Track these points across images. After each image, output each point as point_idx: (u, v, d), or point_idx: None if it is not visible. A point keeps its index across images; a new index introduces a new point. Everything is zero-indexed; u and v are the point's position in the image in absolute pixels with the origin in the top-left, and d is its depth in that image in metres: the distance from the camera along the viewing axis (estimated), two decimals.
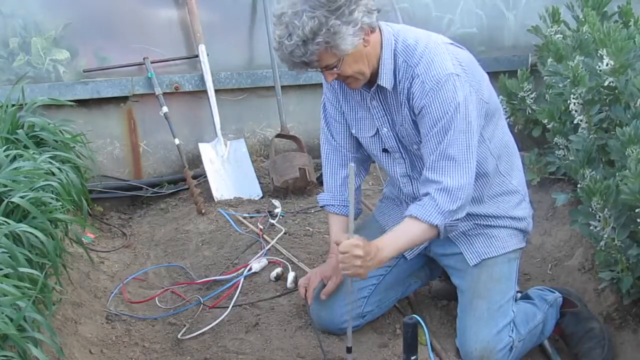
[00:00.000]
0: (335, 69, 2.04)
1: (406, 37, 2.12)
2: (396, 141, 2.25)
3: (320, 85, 3.77)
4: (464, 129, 2.06)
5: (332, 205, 2.42)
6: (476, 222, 2.28)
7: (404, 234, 2.15)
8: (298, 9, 1.92)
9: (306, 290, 2.39)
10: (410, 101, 2.11)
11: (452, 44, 2.16)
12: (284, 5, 1.96)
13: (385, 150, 2.31)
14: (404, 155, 2.28)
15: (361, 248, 2.04)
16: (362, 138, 2.33)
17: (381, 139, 2.27)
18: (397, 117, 2.19)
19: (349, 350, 2.17)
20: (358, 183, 2.48)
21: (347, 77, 2.10)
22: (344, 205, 2.40)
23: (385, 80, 2.12)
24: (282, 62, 2.05)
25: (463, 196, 2.10)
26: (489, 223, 2.28)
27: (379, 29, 2.11)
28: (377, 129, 2.26)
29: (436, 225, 2.11)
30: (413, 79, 2.08)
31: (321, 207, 2.49)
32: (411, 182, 2.33)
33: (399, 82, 2.12)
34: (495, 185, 2.28)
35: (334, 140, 2.40)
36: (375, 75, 2.13)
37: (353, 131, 2.34)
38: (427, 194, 2.12)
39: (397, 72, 2.11)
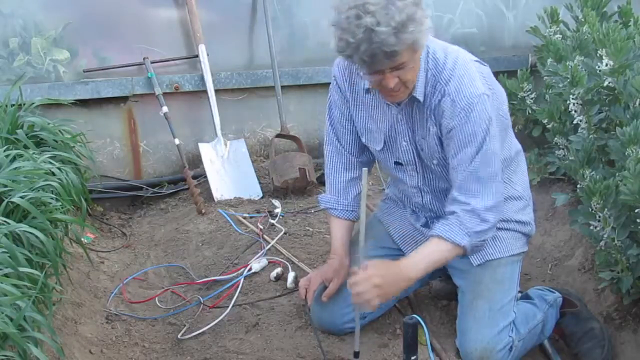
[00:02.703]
0: (401, 69, 1.97)
1: (435, 50, 2.10)
2: (413, 155, 2.24)
3: (320, 85, 3.85)
4: (493, 150, 2.07)
5: (335, 209, 2.40)
6: None
7: (429, 254, 2.13)
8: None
9: (306, 292, 2.39)
10: (439, 118, 2.09)
11: (477, 61, 2.15)
12: None
13: (397, 163, 2.30)
14: (418, 168, 2.27)
15: (379, 276, 2.04)
16: (373, 149, 2.32)
17: (393, 151, 2.26)
18: (419, 130, 2.17)
19: (356, 355, 2.17)
20: (360, 189, 2.46)
21: (402, 84, 2.03)
22: (346, 210, 2.39)
23: (419, 92, 2.09)
24: (357, 55, 1.90)
25: (492, 218, 2.11)
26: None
27: None
28: (385, 141, 2.24)
29: (463, 246, 2.10)
30: (443, 97, 2.06)
31: (323, 209, 2.48)
32: (422, 194, 2.33)
33: (427, 96, 2.10)
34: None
35: (339, 144, 2.38)
36: None
37: (363, 139, 2.31)
38: (453, 213, 2.11)
39: (426, 85, 2.09)
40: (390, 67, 1.96)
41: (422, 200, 2.34)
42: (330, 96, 2.34)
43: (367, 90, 2.19)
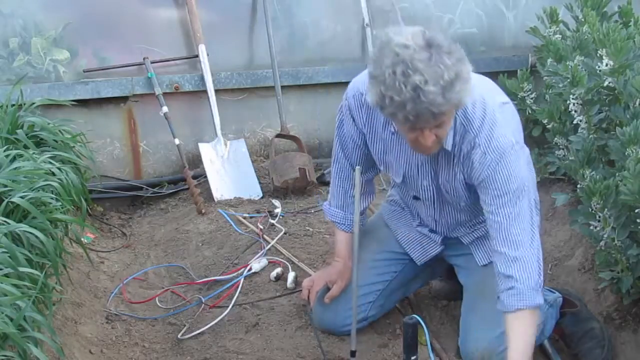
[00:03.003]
0: (441, 127, 1.90)
1: None
2: (433, 193, 2.21)
3: (320, 85, 3.85)
4: (530, 197, 2.03)
5: (342, 224, 2.38)
6: None
7: (524, 333, 2.03)
8: (432, 55, 1.75)
9: (309, 292, 2.38)
10: (467, 167, 2.05)
11: (503, 103, 2.06)
12: (406, 52, 1.75)
13: (415, 197, 2.28)
14: (436, 205, 2.26)
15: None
16: (394, 179, 2.28)
17: (411, 186, 2.24)
18: (443, 174, 2.14)
19: (352, 354, 2.17)
20: (365, 205, 2.43)
21: (437, 140, 1.96)
22: (352, 225, 2.35)
23: (448, 142, 2.03)
24: (402, 114, 1.79)
25: (540, 261, 2.05)
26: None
27: None
28: (404, 175, 2.20)
29: (540, 305, 2.04)
30: (473, 148, 2.01)
31: (329, 221, 2.46)
32: (436, 223, 2.33)
33: (456, 145, 2.05)
34: None
35: (347, 163, 2.32)
36: None
37: (382, 168, 2.27)
38: (508, 277, 2.02)
39: (455, 135, 2.03)
40: (432, 126, 1.89)
41: (436, 227, 2.34)
42: (343, 123, 2.24)
43: (393, 132, 2.12)
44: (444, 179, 2.15)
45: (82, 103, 3.43)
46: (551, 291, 2.44)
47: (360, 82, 2.13)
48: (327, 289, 2.37)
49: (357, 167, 2.05)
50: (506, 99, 2.11)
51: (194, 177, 3.47)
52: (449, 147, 2.04)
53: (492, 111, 2.00)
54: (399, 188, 2.36)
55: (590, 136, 2.78)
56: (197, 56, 3.63)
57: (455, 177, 2.11)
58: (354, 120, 2.20)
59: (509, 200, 2.01)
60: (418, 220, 2.39)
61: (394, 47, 1.77)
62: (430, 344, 2.21)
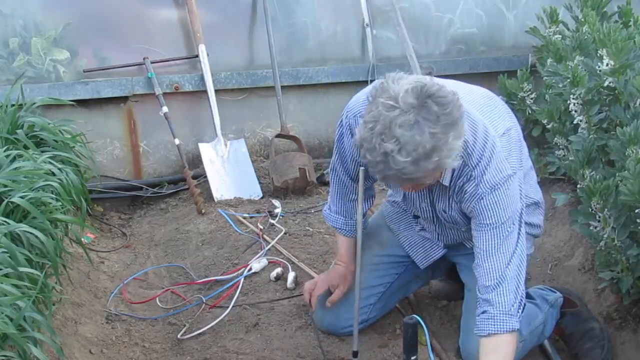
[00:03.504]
0: (425, 181, 1.89)
1: (465, 131, 1.93)
2: (432, 215, 2.21)
3: (320, 85, 3.85)
4: (516, 225, 2.03)
5: (344, 229, 2.38)
6: None
7: (499, 357, 2.03)
8: (415, 121, 1.70)
9: (311, 295, 2.38)
10: (460, 197, 2.05)
11: (504, 134, 2.02)
12: (391, 113, 1.71)
13: (415, 216, 2.29)
14: (436, 226, 2.27)
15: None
16: (394, 197, 2.29)
17: (415, 206, 2.23)
18: (440, 204, 2.14)
19: (355, 354, 2.17)
20: (366, 208, 2.41)
21: (424, 185, 1.98)
22: (355, 230, 2.34)
23: (446, 179, 2.03)
24: (375, 172, 1.83)
25: (521, 284, 2.05)
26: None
27: None
28: (406, 195, 2.20)
29: (517, 329, 2.04)
30: (468, 180, 1.99)
31: (331, 226, 2.45)
32: (438, 237, 2.34)
33: (452, 179, 2.04)
34: None
35: (345, 174, 2.28)
36: None
37: (384, 185, 2.28)
38: (485, 301, 2.04)
39: (454, 170, 2.01)
40: (408, 184, 1.91)
41: (438, 239, 2.35)
42: (342, 137, 2.18)
43: None
44: (441, 208, 2.15)
45: (82, 103, 3.43)
46: (552, 291, 2.45)
47: (360, 102, 2.08)
48: (329, 292, 2.37)
49: (362, 168, 2.05)
50: (508, 124, 2.07)
51: (194, 177, 3.47)
52: (446, 182, 2.04)
53: (492, 144, 1.97)
54: (401, 203, 2.36)
55: (590, 136, 2.78)
56: (197, 56, 3.63)
57: (452, 207, 2.11)
58: (353, 136, 2.15)
59: (495, 229, 2.00)
60: (420, 225, 2.39)
61: (384, 101, 1.73)
62: (430, 344, 2.20)
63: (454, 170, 2.01)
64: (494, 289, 2.02)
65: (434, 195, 2.14)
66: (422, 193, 2.16)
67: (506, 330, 2.01)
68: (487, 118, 2.02)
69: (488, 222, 2.01)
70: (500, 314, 2.01)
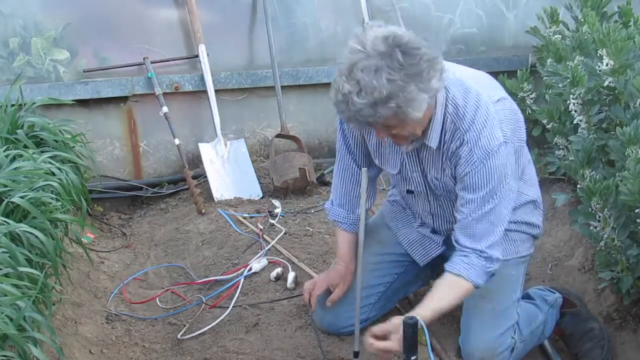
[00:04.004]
0: (392, 130, 1.94)
1: (456, 94, 2.00)
2: (425, 187, 2.22)
3: (320, 85, 3.84)
4: (507, 195, 2.04)
5: (344, 223, 2.38)
6: None
7: (447, 296, 2.09)
8: (376, 66, 1.77)
9: (310, 295, 2.38)
10: (454, 162, 2.06)
11: (498, 100, 2.05)
12: (357, 57, 1.79)
13: (409, 191, 2.29)
14: (430, 198, 2.26)
15: (395, 343, 2.00)
16: (387, 172, 2.29)
17: (407, 180, 2.24)
18: (431, 170, 2.14)
19: (356, 354, 2.17)
20: (368, 206, 2.42)
21: (399, 136, 2.00)
22: (355, 224, 2.35)
23: (433, 141, 2.04)
24: (339, 113, 1.90)
25: (499, 255, 2.09)
26: (506, 227, 2.27)
27: None
28: (400, 168, 2.21)
29: (478, 285, 2.08)
30: (461, 145, 2.01)
31: (331, 220, 2.45)
32: (434, 219, 2.32)
33: (444, 143, 2.05)
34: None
35: (352, 159, 2.30)
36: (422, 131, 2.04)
37: (376, 162, 2.26)
38: (471, 252, 2.07)
39: (444, 133, 2.03)
40: (378, 128, 1.94)
41: (433, 223, 2.34)
42: (342, 122, 2.24)
43: None
44: (433, 176, 2.15)
45: (82, 103, 3.44)
46: (551, 291, 2.45)
47: None
48: (329, 291, 2.36)
49: (364, 168, 2.07)
50: (503, 95, 2.10)
51: (194, 177, 3.47)
52: (433, 144, 2.05)
53: (485, 108, 2.00)
54: (396, 182, 2.34)
55: (590, 136, 2.78)
56: (197, 56, 3.63)
57: (444, 172, 2.12)
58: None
59: (485, 195, 2.02)
60: (419, 221, 2.39)
61: (352, 45, 1.82)
62: (430, 344, 2.20)
63: (443, 133, 2.03)
64: (479, 252, 2.06)
65: (424, 164, 2.15)
66: (412, 161, 2.16)
67: (473, 281, 2.06)
68: (481, 87, 2.05)
69: (478, 187, 2.02)
70: (478, 266, 2.05)
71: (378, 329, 2.03)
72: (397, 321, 2.00)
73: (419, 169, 2.17)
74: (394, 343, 1.98)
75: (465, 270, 2.06)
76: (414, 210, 2.39)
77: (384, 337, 2.01)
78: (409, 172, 2.20)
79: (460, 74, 2.06)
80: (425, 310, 2.04)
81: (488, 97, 2.03)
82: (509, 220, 2.24)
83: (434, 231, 2.37)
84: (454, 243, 2.12)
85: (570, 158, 2.83)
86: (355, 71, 1.79)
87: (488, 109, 2.00)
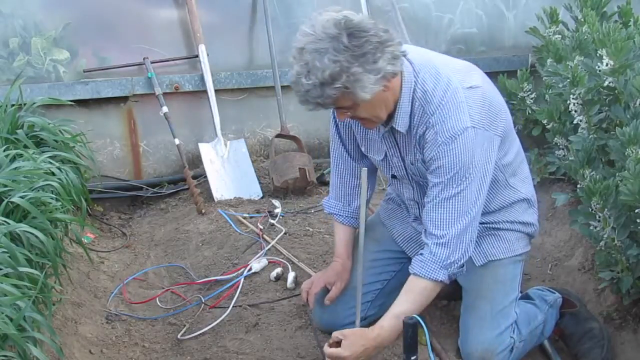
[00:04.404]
0: (349, 111, 1.98)
1: (426, 79, 2.03)
2: (405, 172, 2.23)
3: None
4: (475, 182, 2.03)
5: (340, 215, 2.39)
6: (485, 225, 2.26)
7: (412, 295, 2.10)
8: (321, 48, 1.83)
9: (308, 294, 2.38)
10: (422, 147, 2.08)
11: (470, 87, 2.05)
12: (306, 39, 1.87)
13: (394, 176, 2.29)
14: (412, 184, 2.26)
15: (345, 350, 2.01)
16: (372, 158, 2.30)
17: (390, 165, 2.25)
18: (407, 156, 2.16)
19: None
20: (367, 196, 2.41)
21: (362, 119, 2.04)
22: (351, 217, 2.37)
23: (401, 124, 2.06)
24: (296, 95, 1.96)
25: (462, 245, 2.07)
26: (498, 226, 2.27)
27: (401, 71, 2.02)
28: (386, 153, 2.22)
29: (441, 281, 2.08)
30: (427, 128, 2.03)
31: (328, 214, 2.46)
32: (418, 206, 2.32)
33: (414, 127, 2.07)
34: (503, 196, 2.25)
35: (344, 150, 2.34)
36: (390, 115, 2.07)
37: (363, 149, 2.29)
38: (426, 245, 2.09)
39: (413, 117, 2.06)
40: (335, 108, 1.97)
41: (419, 213, 2.33)
42: (334, 111, 2.27)
43: None
44: (409, 161, 2.17)
45: (82, 103, 3.44)
46: (551, 291, 2.45)
47: None
48: (326, 290, 2.37)
49: (364, 168, 2.08)
50: (478, 83, 2.09)
51: (194, 177, 3.47)
52: (402, 128, 2.07)
53: (453, 93, 2.01)
54: (380, 165, 2.33)
55: (590, 136, 2.78)
56: (197, 56, 3.63)
57: (417, 159, 2.13)
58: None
59: (449, 181, 2.02)
60: (413, 216, 2.39)
61: (303, 28, 1.90)
62: (430, 344, 2.20)
63: (412, 117, 2.05)
64: (437, 238, 2.06)
65: (401, 149, 2.17)
66: (391, 146, 2.18)
67: (429, 278, 2.06)
68: (454, 72, 2.07)
69: (443, 171, 2.02)
70: (431, 261, 2.06)
71: (333, 335, 2.06)
72: (347, 331, 2.06)
73: (398, 154, 2.19)
74: (344, 351, 2.01)
75: (418, 268, 2.08)
76: (402, 199, 2.39)
77: (338, 345, 2.04)
78: (391, 158, 2.22)
79: (436, 61, 2.09)
80: (384, 320, 2.08)
81: (459, 83, 2.04)
82: (501, 220, 2.25)
83: None
84: (422, 237, 2.13)
85: (570, 158, 2.83)
86: (303, 53, 1.87)
87: (457, 93, 2.01)
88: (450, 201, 2.04)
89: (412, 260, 2.12)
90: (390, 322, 2.07)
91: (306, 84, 1.86)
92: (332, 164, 2.41)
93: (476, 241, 2.28)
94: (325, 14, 1.89)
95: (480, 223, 2.21)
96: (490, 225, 2.27)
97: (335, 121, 2.30)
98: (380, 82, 1.90)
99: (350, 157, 2.34)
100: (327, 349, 2.04)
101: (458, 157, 2.00)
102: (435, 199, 2.06)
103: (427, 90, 2.02)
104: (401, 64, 1.97)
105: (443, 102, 2.00)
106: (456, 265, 2.08)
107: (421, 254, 2.10)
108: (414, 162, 2.15)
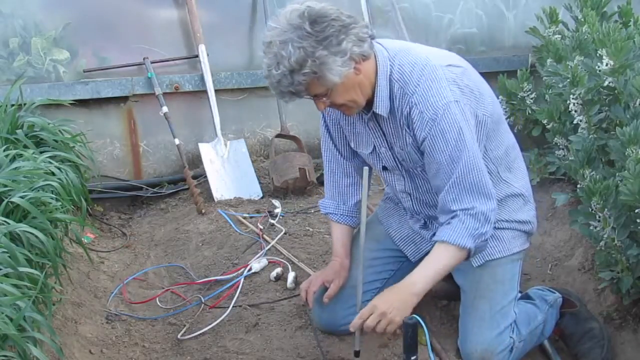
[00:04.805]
0: (324, 98, 2.01)
1: (402, 62, 2.07)
2: (395, 161, 2.23)
3: None
4: (471, 154, 2.04)
5: (335, 214, 2.40)
6: None
7: (435, 261, 2.10)
8: (286, 38, 1.89)
9: (307, 294, 2.38)
10: (412, 128, 2.08)
11: (450, 65, 2.09)
12: (272, 33, 1.93)
13: (384, 168, 2.29)
14: (403, 173, 2.26)
15: (382, 303, 2.04)
16: (361, 153, 2.31)
17: (379, 157, 2.25)
18: (396, 141, 2.16)
19: (356, 354, 2.17)
20: (359, 196, 2.43)
21: (340, 106, 2.07)
22: (346, 215, 2.38)
23: (381, 107, 2.08)
24: (270, 89, 2.00)
25: (492, 217, 2.08)
26: (494, 225, 2.27)
27: (374, 54, 2.06)
28: (374, 146, 2.23)
29: (468, 248, 2.07)
30: (411, 108, 2.04)
31: (324, 214, 2.47)
32: (411, 198, 2.32)
33: (397, 109, 2.08)
34: (497, 190, 2.23)
35: (335, 149, 2.37)
36: (371, 101, 2.09)
37: (352, 145, 2.31)
38: (455, 216, 2.08)
39: (393, 99, 2.08)
40: (310, 96, 2.00)
41: (412, 205, 2.33)
42: (324, 117, 2.35)
43: None
44: (398, 147, 2.17)
45: (82, 103, 3.44)
46: (551, 291, 2.45)
47: None
48: (325, 289, 2.36)
49: (365, 167, 2.08)
50: (459, 64, 2.12)
51: (194, 177, 3.47)
52: (383, 112, 2.09)
53: (431, 70, 2.04)
54: (369, 159, 2.33)
55: (590, 136, 2.78)
56: (197, 56, 3.63)
57: (407, 143, 2.13)
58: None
59: (450, 159, 2.03)
60: (409, 214, 2.39)
61: (269, 23, 1.97)
62: (430, 344, 2.20)
63: (392, 100, 2.07)
64: (467, 210, 2.06)
65: (387, 136, 2.17)
66: (377, 135, 2.19)
67: (460, 245, 2.05)
68: (432, 54, 2.11)
69: (439, 148, 2.03)
70: (461, 228, 2.06)
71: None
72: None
73: (385, 143, 2.20)
74: (376, 301, 2.07)
75: (447, 234, 2.07)
76: (395, 193, 2.39)
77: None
78: (379, 148, 2.23)
79: (413, 46, 2.16)
80: (411, 275, 2.09)
81: (437, 61, 2.07)
82: (501, 219, 2.25)
83: (424, 226, 2.36)
84: (442, 219, 2.13)
85: (570, 158, 2.83)
86: (271, 46, 1.92)
87: (435, 70, 2.04)
88: (464, 178, 2.04)
89: (439, 230, 2.11)
90: (418, 274, 2.08)
91: (276, 75, 1.92)
92: (324, 164, 2.43)
93: None
94: (289, 7, 1.95)
95: None
96: None
97: (325, 120, 2.33)
98: (349, 64, 1.94)
99: (342, 156, 2.36)
100: (361, 316, 2.06)
101: (449, 129, 2.01)
102: (446, 180, 2.05)
103: (404, 72, 2.05)
104: (369, 47, 2.00)
105: (422, 79, 2.03)
106: (483, 238, 2.08)
107: (449, 222, 2.08)
108: (403, 147, 2.15)
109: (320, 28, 1.90)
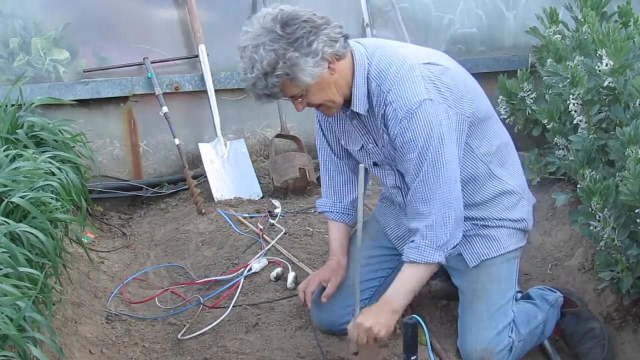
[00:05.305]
0: (300, 99, 2.05)
1: (380, 60, 2.08)
2: (382, 156, 2.24)
3: None
4: (440, 155, 2.03)
5: (332, 212, 2.41)
6: (474, 222, 2.26)
7: (408, 280, 2.15)
8: (258, 42, 1.92)
9: (305, 294, 2.38)
10: (387, 127, 2.10)
11: (429, 63, 2.08)
12: (246, 37, 1.96)
13: (375, 164, 2.30)
14: (393, 168, 2.27)
15: (367, 319, 2.09)
16: (352, 151, 2.32)
17: (368, 153, 2.26)
18: (378, 138, 2.18)
19: (356, 354, 2.17)
20: (356, 194, 2.42)
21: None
22: (343, 213, 2.40)
23: (359, 106, 2.10)
24: (248, 92, 2.05)
25: (450, 225, 2.09)
26: (487, 224, 2.27)
27: (351, 53, 2.07)
28: (363, 144, 2.24)
29: (437, 262, 2.11)
30: (386, 106, 2.06)
31: (320, 212, 2.48)
32: (402, 193, 2.31)
33: (374, 107, 2.10)
34: (489, 188, 2.24)
35: (329, 147, 2.39)
36: (350, 100, 2.11)
37: (342, 142, 2.32)
38: (417, 231, 2.12)
39: (371, 97, 2.09)
40: (287, 98, 2.04)
41: (404, 200, 2.32)
42: (318, 117, 2.38)
43: None
44: (381, 144, 2.18)
45: (82, 103, 3.44)
46: (552, 291, 2.45)
47: None
48: (323, 288, 2.36)
49: (361, 165, 2.08)
50: (440, 62, 2.12)
51: (194, 177, 3.47)
52: (361, 110, 2.10)
53: (408, 68, 2.04)
54: (359, 156, 2.34)
55: (590, 136, 2.78)
56: (197, 56, 3.63)
57: (385, 141, 2.15)
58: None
59: (418, 157, 2.04)
60: (402, 209, 2.39)
61: (243, 28, 1.99)
62: (430, 344, 2.21)
63: (370, 98, 2.09)
64: (424, 217, 2.10)
65: (372, 134, 2.19)
66: (363, 133, 2.21)
67: (428, 262, 2.11)
68: (412, 52, 2.12)
69: (409, 148, 2.04)
70: (425, 245, 2.10)
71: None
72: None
73: (372, 140, 2.21)
74: (360, 319, 2.10)
75: (415, 255, 2.11)
76: (388, 189, 2.39)
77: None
78: (367, 144, 2.24)
79: (394, 44, 2.17)
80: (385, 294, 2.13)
81: (416, 60, 2.07)
82: (489, 218, 2.24)
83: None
84: (411, 224, 2.16)
85: (570, 158, 2.83)
86: (245, 50, 1.96)
87: (413, 68, 2.04)
88: (427, 178, 2.05)
89: (405, 248, 2.15)
90: (396, 291, 2.13)
91: (251, 78, 1.95)
92: (320, 163, 2.45)
93: (467, 242, 2.27)
94: (263, 11, 1.99)
95: (469, 220, 2.22)
96: (480, 223, 2.26)
97: (319, 121, 2.35)
98: (321, 64, 1.97)
99: (335, 155, 2.38)
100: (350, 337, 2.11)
101: (421, 128, 2.01)
102: (414, 178, 2.08)
103: (381, 69, 2.06)
104: (342, 46, 2.01)
105: (398, 77, 2.04)
106: (449, 246, 2.11)
107: (412, 241, 2.13)
108: (384, 145, 2.17)
109: (291, 30, 1.93)
